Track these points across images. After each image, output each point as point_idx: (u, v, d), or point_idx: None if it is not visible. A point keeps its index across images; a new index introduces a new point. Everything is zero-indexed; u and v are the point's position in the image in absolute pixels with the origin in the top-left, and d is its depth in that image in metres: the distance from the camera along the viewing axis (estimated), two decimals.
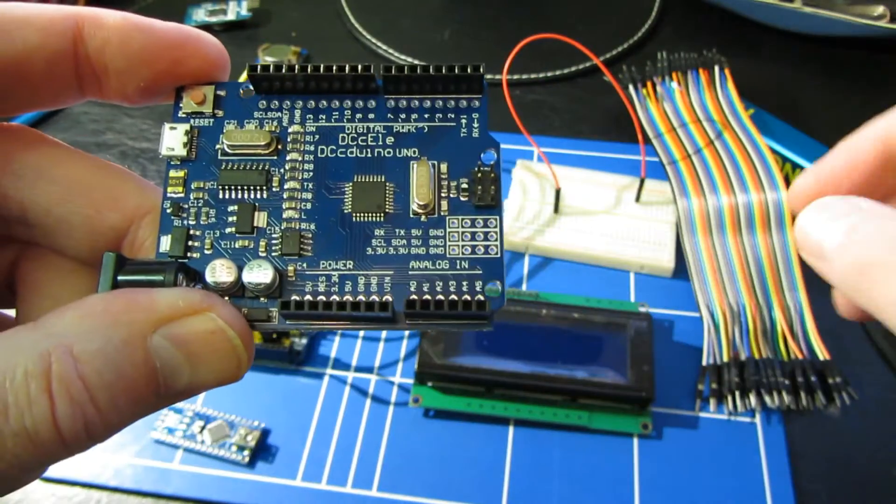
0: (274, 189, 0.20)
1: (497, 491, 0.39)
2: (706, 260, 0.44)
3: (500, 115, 0.49)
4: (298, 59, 0.61)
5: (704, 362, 0.42)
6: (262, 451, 0.40)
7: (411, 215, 0.19)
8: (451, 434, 0.41)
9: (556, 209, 0.50)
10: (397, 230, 0.19)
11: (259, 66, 0.20)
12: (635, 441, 0.41)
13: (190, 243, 0.19)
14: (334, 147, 0.20)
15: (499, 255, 0.19)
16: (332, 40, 0.64)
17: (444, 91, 0.21)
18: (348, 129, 0.20)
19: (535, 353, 0.42)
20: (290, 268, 0.19)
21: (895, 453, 0.40)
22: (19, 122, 0.22)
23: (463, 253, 0.19)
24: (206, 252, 0.19)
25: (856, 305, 0.23)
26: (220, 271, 0.18)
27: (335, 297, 0.18)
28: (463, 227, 0.19)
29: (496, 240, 0.19)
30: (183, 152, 0.20)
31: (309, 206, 0.19)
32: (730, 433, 0.41)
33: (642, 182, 0.50)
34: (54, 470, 0.39)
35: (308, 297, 0.19)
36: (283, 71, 0.20)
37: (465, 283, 0.19)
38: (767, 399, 0.40)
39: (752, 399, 0.40)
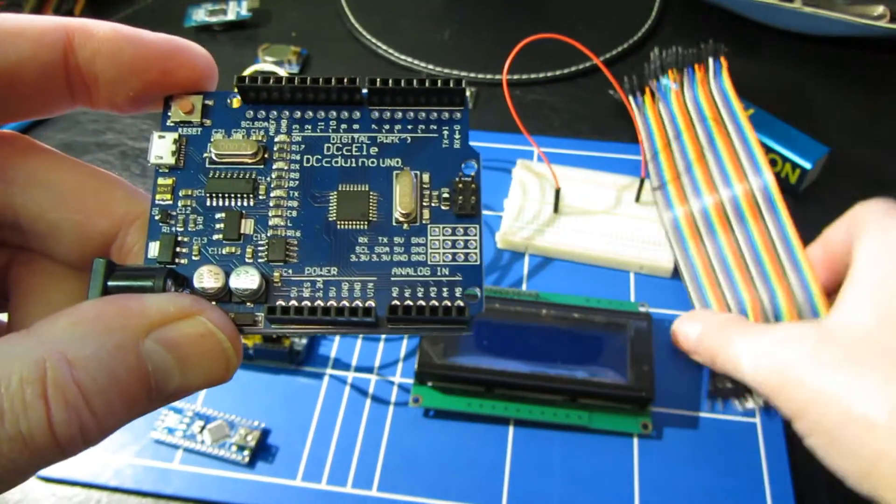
0: (260, 197, 0.20)
1: (497, 491, 0.39)
2: (699, 265, 0.43)
3: (500, 115, 0.49)
4: (298, 59, 0.61)
5: None
6: (262, 451, 0.40)
7: (394, 223, 0.20)
8: (451, 434, 0.41)
9: (556, 209, 0.50)
10: (380, 238, 0.20)
11: (247, 77, 0.21)
12: (635, 441, 0.41)
13: (178, 249, 0.20)
14: (319, 157, 0.21)
15: (478, 263, 0.19)
16: (332, 40, 0.64)
17: (427, 104, 0.21)
18: (333, 139, 0.21)
19: (535, 353, 0.42)
20: (276, 274, 0.19)
21: None
22: (11, 128, 0.22)
23: (444, 260, 0.20)
24: (194, 258, 0.19)
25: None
26: (207, 277, 0.19)
27: (319, 303, 0.19)
28: (444, 235, 0.20)
29: (475, 247, 0.20)
30: (171, 160, 0.20)
31: (294, 213, 0.20)
32: (730, 433, 0.41)
33: (642, 182, 0.50)
34: (54, 470, 0.39)
35: (293, 302, 0.19)
36: (271, 82, 0.21)
37: (445, 289, 0.19)
38: None
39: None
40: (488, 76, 0.60)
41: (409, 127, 0.21)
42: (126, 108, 0.21)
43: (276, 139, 0.21)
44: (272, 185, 0.20)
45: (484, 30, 0.65)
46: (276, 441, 0.41)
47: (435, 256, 0.20)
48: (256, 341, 0.43)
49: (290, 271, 0.19)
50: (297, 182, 0.20)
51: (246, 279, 0.19)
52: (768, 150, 0.51)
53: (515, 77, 0.60)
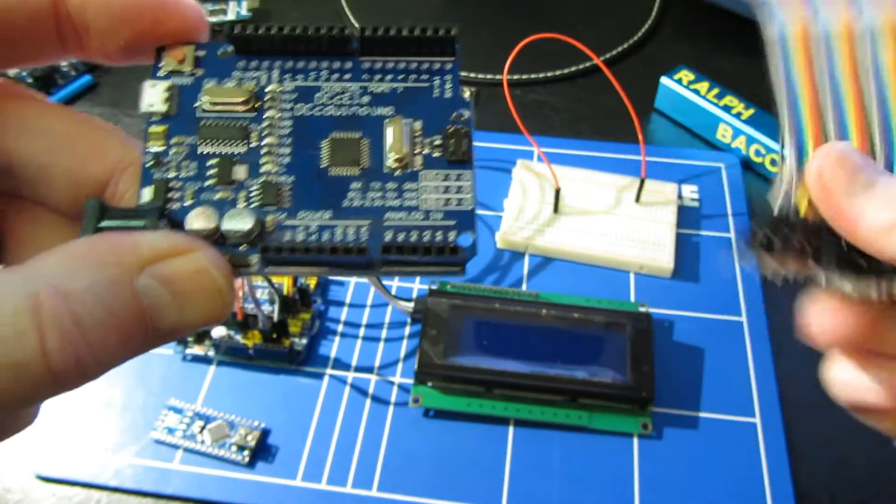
0: (252, 145, 0.20)
1: (497, 491, 0.39)
2: (804, 89, 0.30)
3: (500, 115, 0.49)
4: None
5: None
6: (262, 451, 0.40)
7: (386, 170, 0.20)
8: (451, 434, 0.41)
9: (556, 209, 0.50)
10: (373, 184, 0.20)
11: (238, 27, 0.21)
12: (635, 441, 0.41)
13: (170, 195, 0.20)
14: (311, 105, 0.21)
15: (471, 208, 0.20)
16: None
17: (418, 53, 0.21)
18: (325, 88, 0.21)
19: (535, 353, 0.42)
20: (269, 218, 0.19)
21: (895, 453, 0.40)
22: None
23: (437, 206, 0.19)
24: (187, 204, 0.19)
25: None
26: (200, 218, 0.19)
27: (314, 244, 0.19)
28: (437, 181, 0.20)
29: (469, 193, 0.20)
30: (163, 108, 0.20)
31: (287, 160, 0.20)
32: (730, 433, 0.41)
33: (642, 182, 0.50)
34: (54, 470, 0.39)
35: (287, 238, 0.19)
36: (262, 31, 0.21)
37: (439, 233, 0.19)
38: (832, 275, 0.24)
39: (811, 265, 0.25)
40: (488, 76, 0.60)
41: (401, 77, 0.21)
42: (117, 58, 0.21)
43: (268, 88, 0.21)
44: (264, 134, 0.20)
45: (484, 30, 0.65)
46: (276, 441, 0.41)
47: (428, 202, 0.20)
48: (256, 341, 0.43)
49: (284, 216, 0.19)
50: (288, 130, 0.20)
51: (239, 220, 0.19)
52: (768, 150, 0.51)
53: (515, 77, 0.60)
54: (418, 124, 0.20)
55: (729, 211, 0.52)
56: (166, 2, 0.20)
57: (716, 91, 0.56)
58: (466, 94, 0.21)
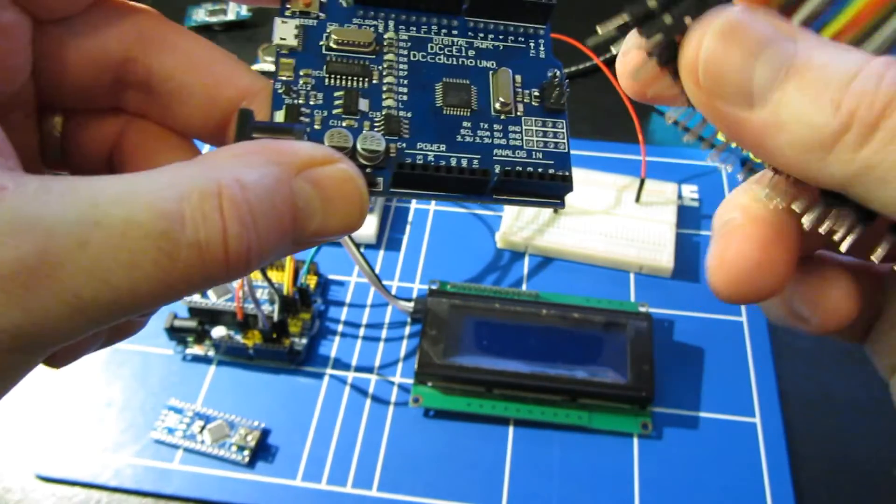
0: (374, 82, 0.22)
1: (497, 491, 0.39)
2: None
3: None
4: None
5: None
6: (262, 451, 0.40)
7: (493, 113, 0.22)
8: (451, 434, 0.41)
9: (556, 209, 0.50)
10: (481, 124, 0.22)
11: None
12: (635, 441, 0.41)
13: (301, 119, 0.21)
14: (424, 54, 0.23)
15: (566, 151, 0.22)
16: None
17: (517, 18, 0.24)
18: (436, 40, 0.23)
19: (535, 353, 0.42)
20: (392, 147, 0.21)
21: (895, 453, 0.40)
22: None
23: (537, 146, 0.22)
24: (316, 128, 0.21)
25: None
26: (337, 137, 0.20)
27: (443, 164, 0.21)
28: (536, 126, 0.22)
29: (563, 138, 0.22)
30: (294, 42, 0.22)
31: (405, 98, 0.22)
32: (730, 433, 0.41)
33: (642, 182, 0.50)
34: (54, 470, 0.39)
35: (419, 159, 0.21)
36: None
37: (540, 169, 0.22)
38: None
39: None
40: None
41: (501, 37, 0.24)
42: None
43: (385, 36, 0.23)
44: (384, 73, 0.22)
45: None
46: (276, 441, 0.41)
47: (530, 143, 0.22)
48: (256, 341, 0.43)
49: (404, 145, 0.21)
50: (405, 72, 0.22)
51: (372, 142, 0.20)
52: None
53: None
54: (518, 77, 0.23)
55: None
56: None
57: None
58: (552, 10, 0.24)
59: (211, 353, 0.44)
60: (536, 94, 0.23)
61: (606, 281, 0.48)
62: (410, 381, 0.42)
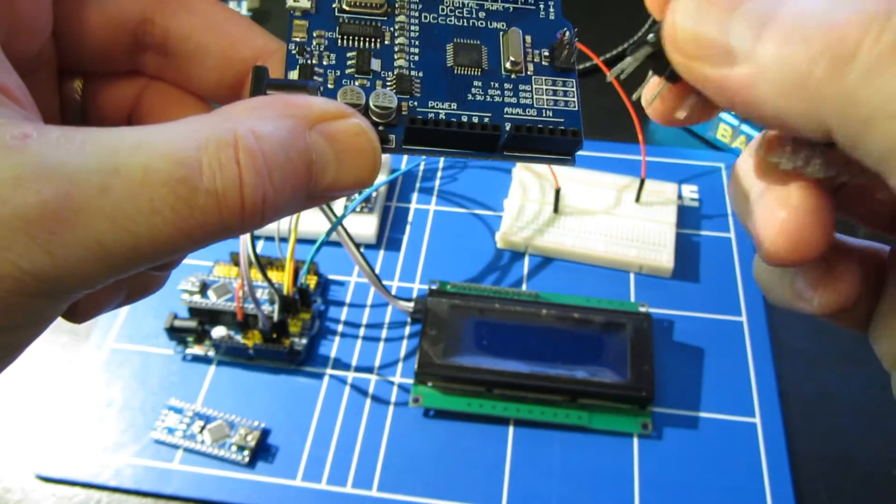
0: (386, 43, 0.22)
1: (497, 491, 0.39)
2: None
3: None
4: None
5: None
6: (262, 451, 0.40)
7: (503, 72, 0.22)
8: (451, 434, 0.41)
9: (556, 209, 0.50)
10: (492, 83, 0.22)
11: None
12: (635, 441, 0.41)
13: (314, 78, 0.22)
14: (435, 15, 0.23)
15: (577, 109, 0.22)
16: None
17: None
18: (447, 2, 0.23)
19: (535, 353, 0.42)
20: (404, 105, 0.21)
21: (895, 453, 0.40)
22: None
23: (548, 105, 0.22)
24: (329, 87, 0.21)
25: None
26: (350, 94, 0.21)
27: (454, 120, 0.21)
28: (546, 85, 0.23)
29: (573, 97, 0.23)
30: (307, 5, 0.23)
31: (416, 58, 0.22)
32: (730, 433, 0.41)
33: (642, 182, 0.50)
34: (54, 470, 0.39)
35: (431, 116, 0.22)
36: None
37: (550, 126, 0.22)
38: None
39: None
40: None
41: None
42: None
43: None
44: (396, 34, 0.22)
45: None
46: (276, 441, 0.41)
47: (540, 101, 0.22)
48: (256, 341, 0.43)
49: (416, 104, 0.22)
50: (416, 33, 0.23)
51: (384, 99, 0.21)
52: None
53: None
54: (528, 38, 0.23)
55: (729, 211, 0.52)
56: None
57: None
58: None
59: (211, 353, 0.44)
60: (546, 54, 0.23)
61: (606, 281, 0.48)
62: (410, 381, 0.42)
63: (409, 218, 0.52)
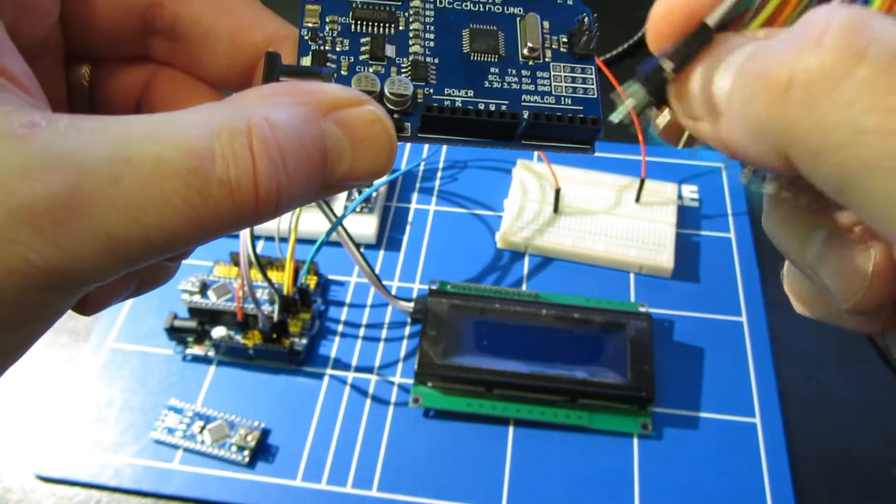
0: (400, 28, 0.22)
1: (497, 491, 0.39)
2: None
3: None
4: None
5: None
6: (262, 451, 0.40)
7: (521, 59, 0.22)
8: (451, 434, 0.41)
9: (556, 209, 0.50)
10: (509, 69, 0.22)
11: None
12: (635, 441, 0.41)
13: (328, 65, 0.21)
14: (451, 1, 0.23)
15: (596, 97, 0.22)
16: None
17: None
18: None
19: (535, 353, 0.42)
20: (420, 92, 0.21)
21: (895, 453, 0.40)
22: None
23: (566, 92, 0.22)
24: (343, 74, 0.21)
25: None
26: (364, 81, 0.20)
27: (472, 107, 0.21)
28: (564, 72, 0.22)
29: (593, 84, 0.22)
30: None
31: (431, 44, 0.22)
32: (730, 433, 0.41)
33: (642, 182, 0.50)
34: (54, 470, 0.39)
35: (447, 103, 0.21)
36: None
37: (569, 114, 0.21)
38: None
39: None
40: None
41: None
42: None
43: None
44: (410, 20, 0.22)
45: None
46: (276, 441, 0.41)
47: (559, 89, 0.22)
48: (256, 341, 0.43)
49: (431, 91, 0.21)
50: (432, 18, 0.22)
51: (400, 86, 0.20)
52: None
53: None
54: (546, 23, 0.23)
55: (729, 211, 0.52)
56: None
57: None
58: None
59: (211, 353, 0.44)
60: (564, 39, 0.22)
61: (606, 281, 0.48)
62: (410, 381, 0.42)
63: (409, 218, 0.52)
